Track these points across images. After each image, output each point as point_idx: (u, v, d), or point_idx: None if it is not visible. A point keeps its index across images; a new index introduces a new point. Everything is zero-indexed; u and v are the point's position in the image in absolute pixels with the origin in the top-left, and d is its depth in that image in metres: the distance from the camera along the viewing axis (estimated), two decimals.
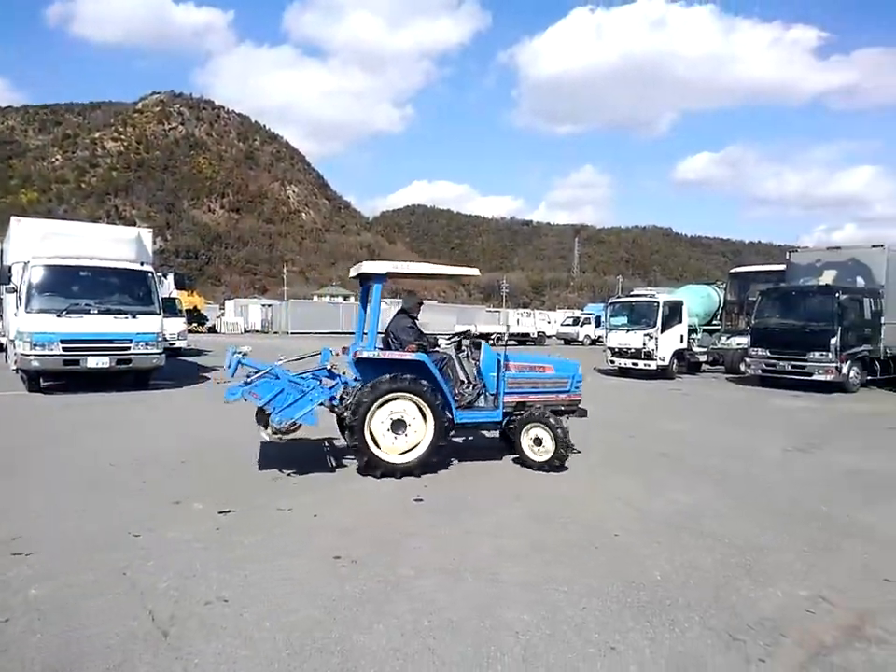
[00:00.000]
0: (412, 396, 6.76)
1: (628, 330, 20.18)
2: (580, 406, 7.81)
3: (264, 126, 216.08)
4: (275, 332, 51.75)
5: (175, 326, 21.85)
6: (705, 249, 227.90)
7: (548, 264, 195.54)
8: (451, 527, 5.20)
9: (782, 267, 19.64)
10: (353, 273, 7.74)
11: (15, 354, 12.95)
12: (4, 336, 16.69)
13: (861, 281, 16.98)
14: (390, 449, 6.80)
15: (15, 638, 3.34)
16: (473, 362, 7.58)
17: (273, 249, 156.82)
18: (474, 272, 7.80)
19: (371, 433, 6.74)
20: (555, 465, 7.00)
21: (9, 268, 13.63)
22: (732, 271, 23.95)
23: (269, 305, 57.76)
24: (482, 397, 7.35)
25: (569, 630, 3.54)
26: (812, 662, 3.28)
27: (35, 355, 12.35)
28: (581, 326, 43.38)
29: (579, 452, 7.80)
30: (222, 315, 57.82)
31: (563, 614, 3.73)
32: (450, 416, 6.95)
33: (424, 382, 6.79)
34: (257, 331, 54.91)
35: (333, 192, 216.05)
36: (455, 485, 6.52)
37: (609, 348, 20.75)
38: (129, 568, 4.25)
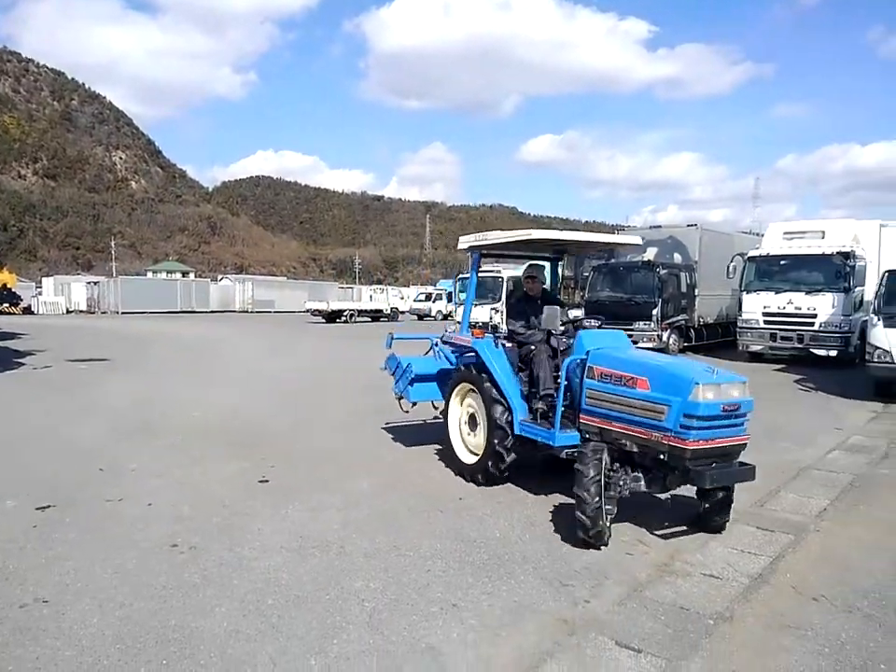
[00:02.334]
0: (474, 389, 5.81)
1: (476, 305, 20.87)
2: (717, 465, 4.28)
3: (83, 84, 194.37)
4: (104, 312, 47.37)
5: None
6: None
7: (400, 240, 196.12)
8: (296, 506, 5.13)
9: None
10: (474, 241, 6.21)
11: None
12: None
13: (678, 257, 18.83)
14: (469, 445, 6.05)
15: None
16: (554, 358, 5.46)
17: (99, 221, 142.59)
18: (636, 240, 6.70)
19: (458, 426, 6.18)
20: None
21: None
22: None
23: (95, 283, 52.62)
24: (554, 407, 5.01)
25: (414, 592, 3.66)
26: (629, 597, 3.65)
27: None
28: (434, 301, 44.14)
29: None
30: (39, 294, 51.90)
31: (407, 577, 3.84)
32: (508, 421, 5.36)
33: (483, 375, 5.60)
34: (81, 311, 49.95)
35: (167, 160, 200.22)
36: (303, 463, 6.42)
37: (459, 322, 21.36)
38: None
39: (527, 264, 6.31)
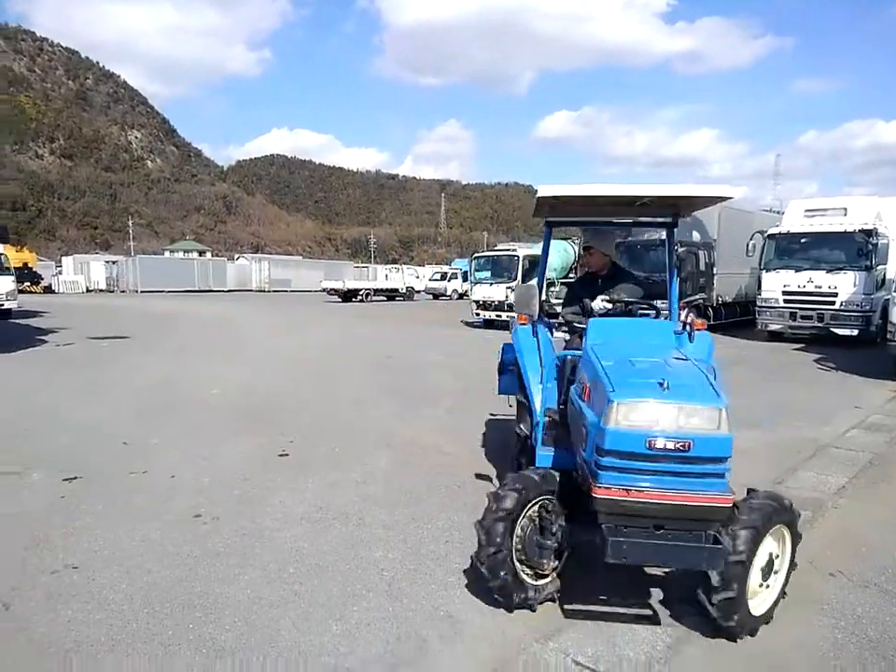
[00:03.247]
0: None
1: (491, 284, 20.85)
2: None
3: (97, 63, 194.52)
4: (122, 291, 47.89)
5: (2, 285, 19.61)
6: None
7: (415, 219, 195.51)
8: (315, 479, 5.21)
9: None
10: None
11: None
12: None
13: (696, 235, 18.60)
14: None
15: None
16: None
17: (116, 200, 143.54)
18: (732, 192, 3.79)
19: None
20: None
21: None
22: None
23: (114, 262, 53.15)
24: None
25: (432, 563, 3.72)
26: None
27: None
28: (449, 281, 44.08)
29: None
30: (59, 273, 52.51)
31: (426, 548, 3.91)
32: (524, 433, 4.38)
33: (512, 368, 4.74)
34: (101, 290, 50.52)
35: (182, 139, 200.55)
36: (320, 438, 6.50)
37: (475, 301, 21.35)
38: None
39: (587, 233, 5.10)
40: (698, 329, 3.87)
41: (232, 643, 2.93)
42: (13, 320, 19.67)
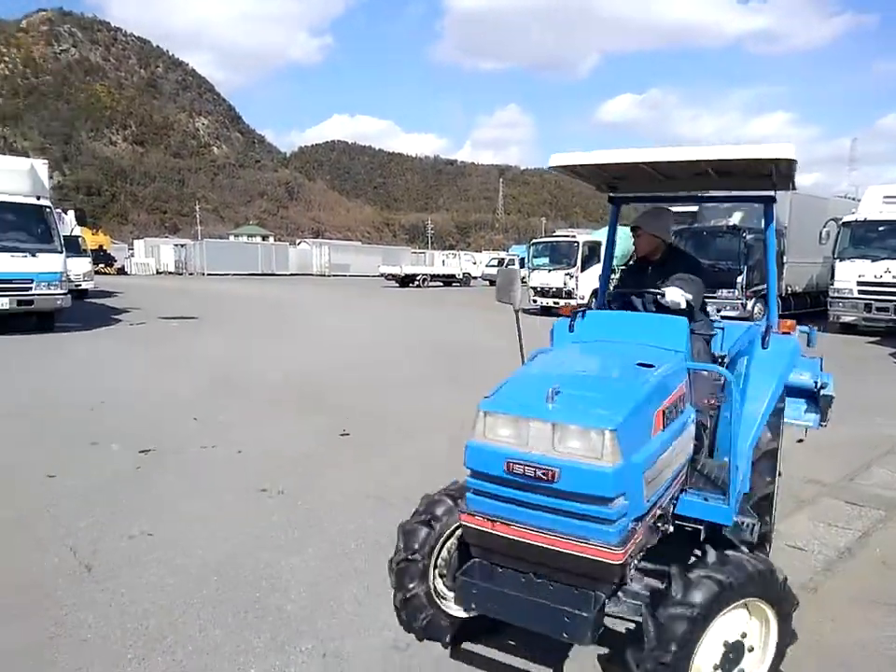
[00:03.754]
0: None
1: (549, 270, 20.66)
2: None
3: (167, 52, 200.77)
4: (190, 274, 49.62)
5: (80, 266, 20.59)
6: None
7: (473, 205, 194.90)
8: (378, 458, 5.31)
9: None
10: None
11: None
12: None
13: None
14: None
15: None
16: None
17: (184, 186, 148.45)
18: (788, 151, 2.87)
19: None
20: None
21: None
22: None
23: (182, 245, 55.11)
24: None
25: None
26: None
27: None
28: (506, 267, 43.97)
29: None
30: (131, 255, 54.82)
31: None
32: None
33: None
34: (170, 272, 52.49)
35: (247, 126, 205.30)
36: (382, 419, 6.61)
37: (532, 288, 21.21)
38: (50, 507, 4.15)
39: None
40: (784, 333, 3.29)
41: (297, 613, 3.03)
42: (89, 300, 20.68)
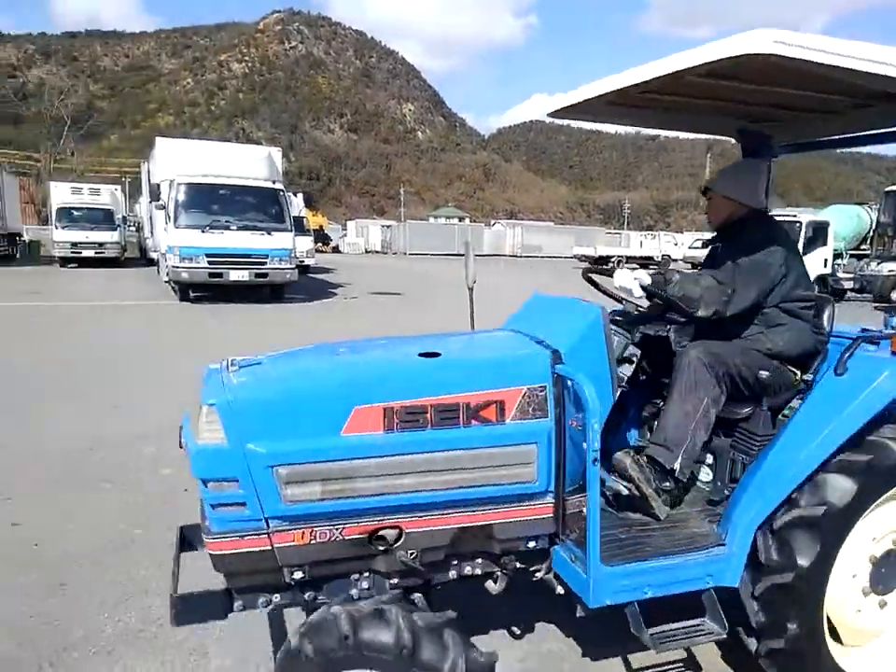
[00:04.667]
0: None
1: None
2: None
3: (380, 42, 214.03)
4: (394, 253, 52.88)
5: (304, 244, 22.80)
6: (855, 166, 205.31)
7: (675, 182, 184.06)
8: None
9: None
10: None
11: (167, 266, 14.10)
12: (155, 251, 18.21)
13: None
14: None
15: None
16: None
17: (391, 170, 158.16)
18: None
19: None
20: None
21: (157, 185, 14.68)
22: (888, 189, 21.46)
23: (388, 227, 58.88)
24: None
25: None
26: None
27: (184, 267, 13.39)
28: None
29: None
30: (344, 235, 59.74)
31: None
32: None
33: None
34: (376, 252, 56.37)
35: (449, 110, 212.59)
36: None
37: None
38: None
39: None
40: None
41: None
42: (311, 275, 22.90)
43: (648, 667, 2.55)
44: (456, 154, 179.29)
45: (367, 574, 2.13)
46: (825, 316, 2.67)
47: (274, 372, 2.13)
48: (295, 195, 24.82)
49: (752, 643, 2.24)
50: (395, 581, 2.13)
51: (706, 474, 2.67)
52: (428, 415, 2.00)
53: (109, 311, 12.52)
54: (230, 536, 1.92)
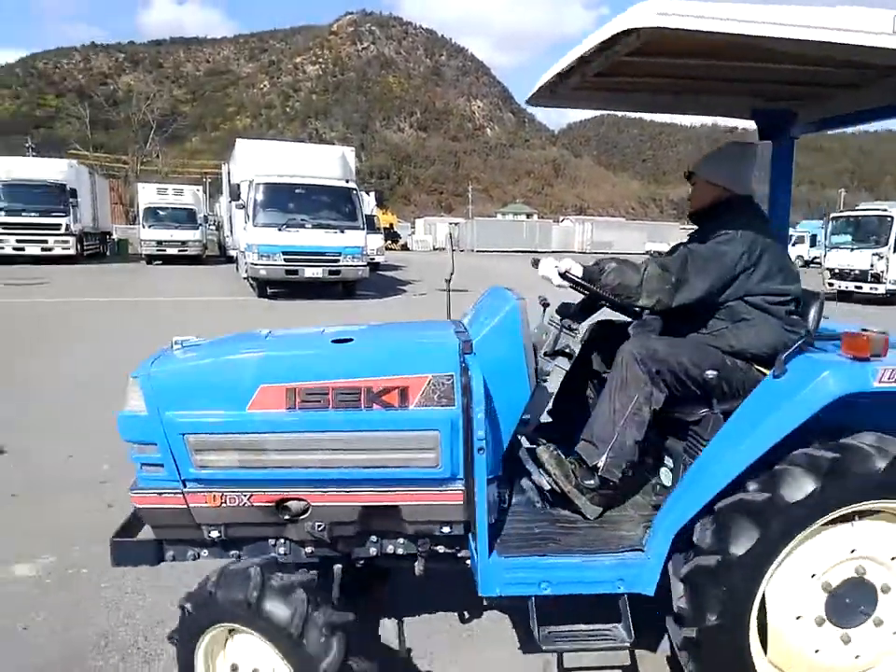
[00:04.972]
0: None
1: (852, 249, 17.90)
2: None
3: (450, 39, 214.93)
4: (462, 250, 53.10)
5: (375, 242, 23.26)
6: None
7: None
8: None
9: None
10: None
11: (245, 263, 14.71)
12: (234, 249, 19.00)
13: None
14: None
15: None
16: None
17: (459, 168, 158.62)
18: None
19: None
20: None
21: (237, 185, 15.32)
22: None
23: (456, 224, 59.16)
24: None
25: None
26: None
27: (262, 264, 13.95)
28: (794, 245, 39.00)
29: None
30: (413, 233, 60.42)
31: None
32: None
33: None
34: (444, 249, 56.76)
35: (518, 105, 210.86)
36: None
37: (829, 269, 18.63)
38: None
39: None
40: (855, 357, 1.99)
41: None
42: (380, 272, 23.34)
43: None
44: (525, 150, 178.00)
45: (283, 541, 2.29)
46: (811, 314, 2.51)
47: (202, 352, 2.37)
48: (368, 194, 25.33)
49: (676, 635, 2.10)
50: (309, 549, 2.29)
51: (666, 477, 2.55)
52: (329, 397, 2.12)
53: (192, 306, 13.18)
54: (151, 492, 2.20)
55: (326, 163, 15.26)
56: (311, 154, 16.13)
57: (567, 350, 2.46)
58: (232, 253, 20.90)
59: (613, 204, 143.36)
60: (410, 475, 2.15)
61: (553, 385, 2.62)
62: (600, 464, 2.32)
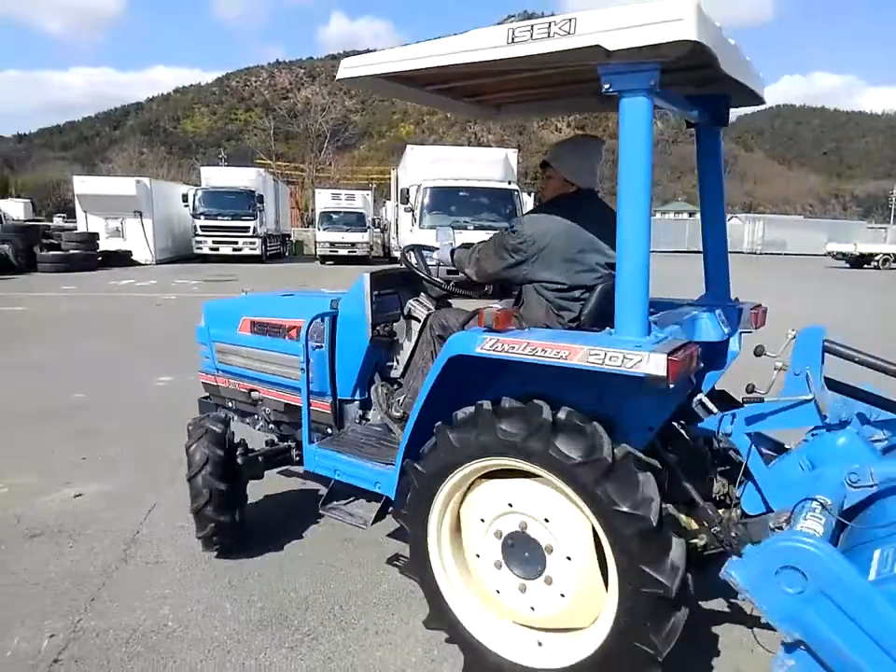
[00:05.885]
0: None
1: None
2: None
3: None
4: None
5: None
6: None
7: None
8: None
9: None
10: None
11: None
12: (399, 250, 20.20)
13: None
14: None
15: None
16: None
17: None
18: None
19: None
20: None
21: (406, 190, 16.36)
22: None
23: None
24: None
25: None
26: None
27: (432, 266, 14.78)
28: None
29: None
30: None
31: None
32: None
33: None
34: None
35: None
36: None
37: None
38: None
39: None
40: (489, 328, 2.42)
41: None
42: None
43: None
44: (688, 145, 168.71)
45: (257, 417, 3.83)
46: (589, 306, 2.61)
47: (242, 299, 4.13)
48: (529, 194, 25.70)
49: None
50: (271, 426, 3.76)
51: None
52: (267, 329, 3.57)
53: None
54: (205, 373, 4.02)
55: (490, 166, 15.85)
56: (476, 157, 16.82)
57: (416, 314, 3.31)
58: (396, 254, 22.21)
59: (787, 201, 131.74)
60: (300, 385, 3.17)
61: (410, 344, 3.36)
62: (401, 400, 3.11)
